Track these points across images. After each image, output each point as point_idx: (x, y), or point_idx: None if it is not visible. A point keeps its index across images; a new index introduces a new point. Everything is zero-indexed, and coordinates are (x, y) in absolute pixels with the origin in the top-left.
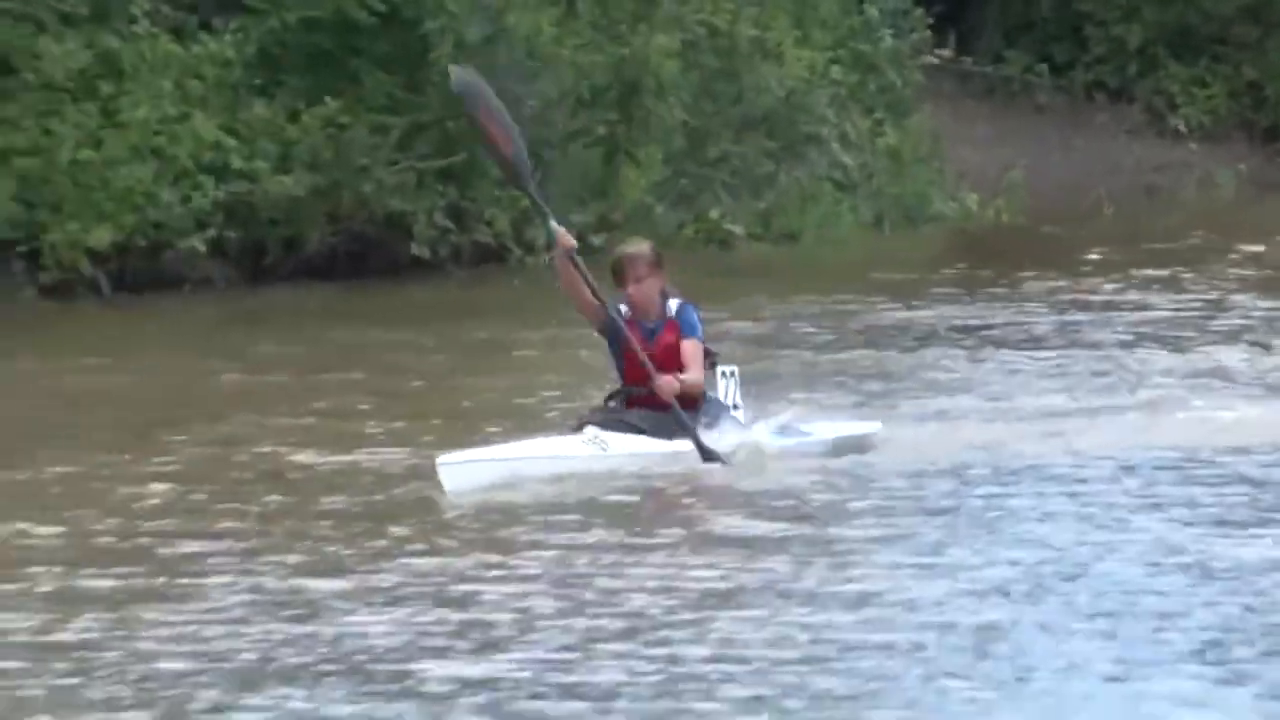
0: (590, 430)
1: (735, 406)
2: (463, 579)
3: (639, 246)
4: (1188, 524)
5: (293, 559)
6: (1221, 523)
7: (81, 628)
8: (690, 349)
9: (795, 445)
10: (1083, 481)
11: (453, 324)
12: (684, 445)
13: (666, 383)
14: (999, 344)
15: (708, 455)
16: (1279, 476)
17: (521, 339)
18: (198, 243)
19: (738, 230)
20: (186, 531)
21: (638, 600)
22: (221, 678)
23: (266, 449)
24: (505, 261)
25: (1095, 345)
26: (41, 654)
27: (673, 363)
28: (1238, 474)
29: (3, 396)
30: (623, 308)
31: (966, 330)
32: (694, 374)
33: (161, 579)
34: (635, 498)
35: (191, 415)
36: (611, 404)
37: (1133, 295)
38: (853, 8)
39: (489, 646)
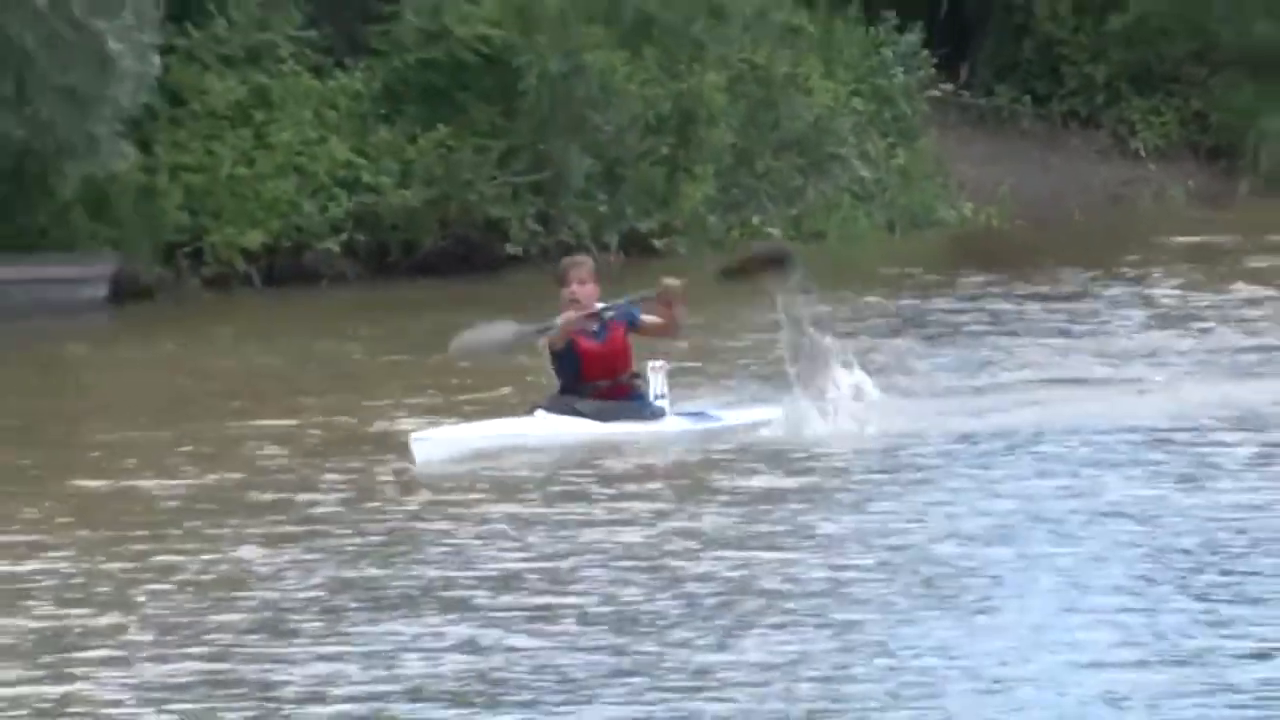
0: (540, 413)
1: (661, 396)
2: (536, 523)
3: (584, 258)
4: (1130, 479)
5: (394, 508)
6: (1158, 477)
7: (223, 563)
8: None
9: (705, 429)
10: (1043, 445)
11: (539, 311)
12: (622, 428)
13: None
14: (984, 326)
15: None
16: (1207, 439)
17: None
18: (333, 244)
19: (775, 232)
20: (305, 484)
21: (667, 543)
22: (342, 603)
23: (376, 416)
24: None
25: (1061, 330)
26: (195, 584)
27: (624, 356)
28: (1170, 438)
29: (168, 370)
30: (558, 320)
31: (957, 314)
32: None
33: (288, 524)
34: (645, 462)
35: (318, 387)
36: (566, 394)
37: (1096, 287)
38: (870, 50)
39: (552, 581)
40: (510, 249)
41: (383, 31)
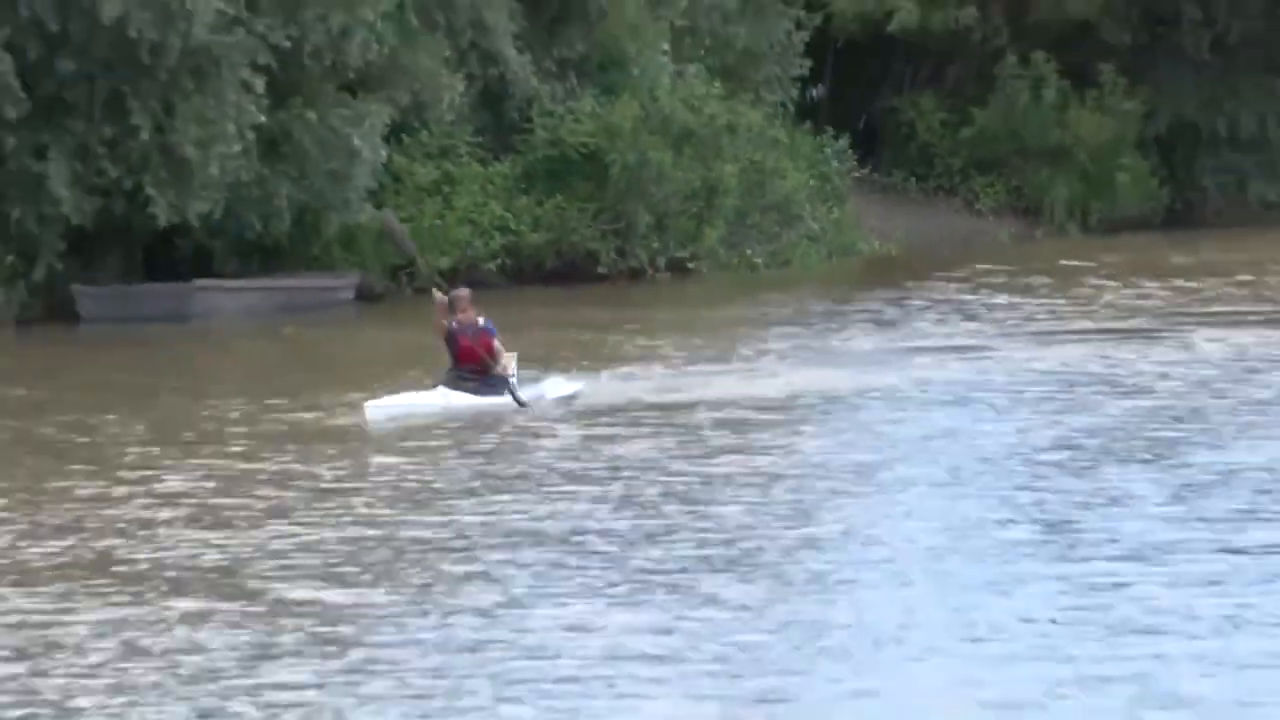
0: (440, 389)
1: (512, 376)
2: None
3: (465, 291)
4: (960, 411)
5: (485, 447)
6: (982, 411)
7: (382, 478)
8: (497, 345)
9: (541, 399)
10: (911, 392)
11: (615, 310)
12: (499, 400)
13: (502, 366)
14: (884, 315)
15: (520, 403)
16: (1020, 386)
17: (645, 318)
18: (491, 266)
19: (759, 261)
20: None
21: (638, 475)
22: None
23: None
24: (644, 276)
25: (934, 317)
26: (326, 518)
27: (478, 354)
28: (1001, 387)
29: (394, 346)
30: (455, 324)
31: (864, 311)
32: (504, 359)
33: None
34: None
35: None
36: (454, 373)
37: (955, 291)
38: (818, 149)
39: (565, 507)
40: (600, 269)
41: (523, 139)
